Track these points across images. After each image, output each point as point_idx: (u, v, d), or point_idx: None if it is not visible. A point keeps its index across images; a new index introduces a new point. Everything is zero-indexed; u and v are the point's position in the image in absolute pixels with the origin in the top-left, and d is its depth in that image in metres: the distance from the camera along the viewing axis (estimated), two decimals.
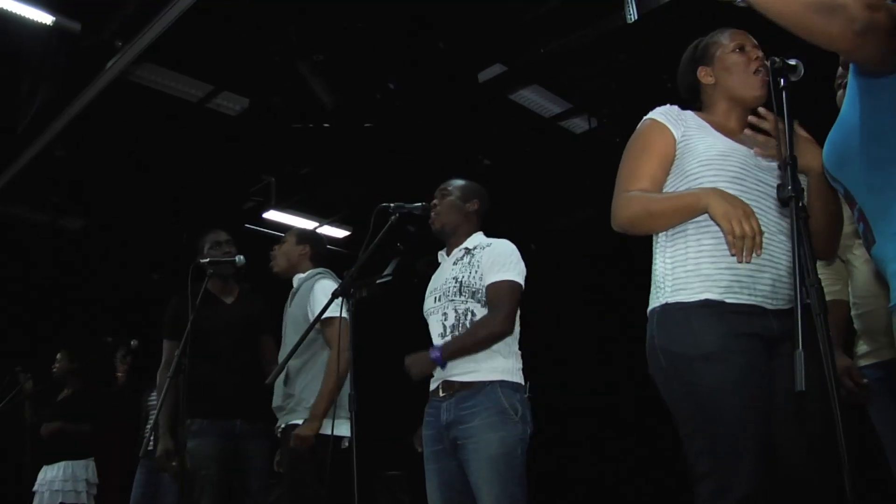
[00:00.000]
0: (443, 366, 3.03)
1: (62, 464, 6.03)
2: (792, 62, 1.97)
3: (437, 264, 3.46)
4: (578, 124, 6.46)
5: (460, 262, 3.24)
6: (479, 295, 3.10)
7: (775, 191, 1.91)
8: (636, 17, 4.30)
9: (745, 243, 2.00)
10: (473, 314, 3.10)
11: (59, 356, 6.33)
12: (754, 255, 2.04)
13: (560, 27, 4.97)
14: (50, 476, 6.02)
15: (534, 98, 6.07)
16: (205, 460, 3.96)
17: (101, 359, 6.55)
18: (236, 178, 7.07)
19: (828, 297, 2.52)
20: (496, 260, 3.15)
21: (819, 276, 1.91)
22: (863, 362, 2.77)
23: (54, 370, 6.31)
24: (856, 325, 2.80)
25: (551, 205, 7.47)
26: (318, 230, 7.73)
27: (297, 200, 7.32)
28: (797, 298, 1.63)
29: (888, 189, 1.74)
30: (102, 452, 6.37)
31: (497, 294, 3.08)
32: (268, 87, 5.66)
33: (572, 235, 7.48)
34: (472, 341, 3.04)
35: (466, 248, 3.29)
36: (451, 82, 5.63)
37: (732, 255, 2.06)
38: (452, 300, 3.15)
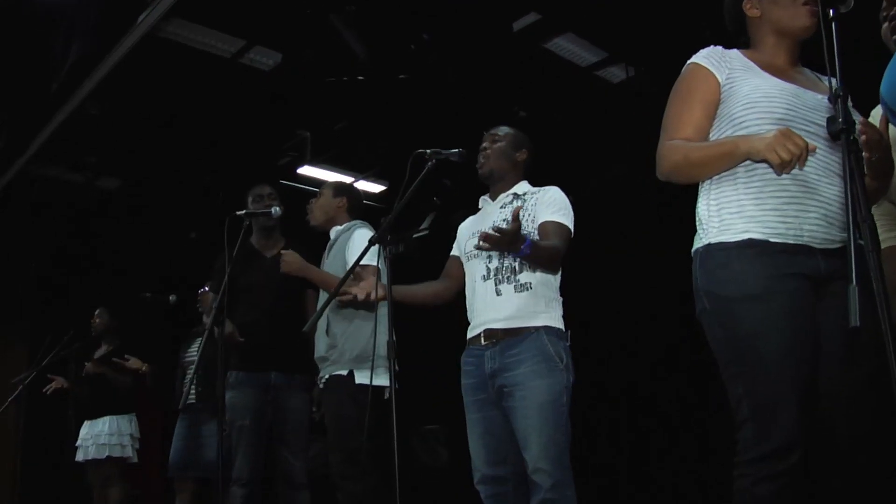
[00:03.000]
0: (522, 255, 2.86)
1: (107, 418, 6.13)
2: None
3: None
4: (615, 73, 6.35)
5: (509, 206, 3.22)
6: (531, 237, 3.03)
7: (824, 128, 1.85)
8: None
9: (797, 160, 1.94)
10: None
11: (97, 313, 6.40)
12: (801, 193, 2.00)
13: None
14: (95, 430, 6.13)
15: (569, 47, 5.97)
16: (241, 411, 4.07)
17: (140, 315, 6.62)
18: (271, 134, 7.04)
19: (883, 245, 2.46)
20: (550, 203, 3.16)
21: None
22: None
23: (93, 327, 6.39)
24: None
25: (591, 157, 7.38)
26: (355, 184, 7.74)
27: (333, 155, 7.29)
28: (850, 235, 1.58)
29: None
30: (142, 408, 6.47)
31: (553, 230, 3.07)
32: (301, 41, 5.60)
33: (613, 188, 7.39)
34: (547, 255, 2.99)
35: (515, 194, 3.29)
36: (486, 32, 5.55)
37: (779, 195, 2.01)
38: None
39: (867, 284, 1.60)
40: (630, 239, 7.08)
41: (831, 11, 1.88)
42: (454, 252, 3.44)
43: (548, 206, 3.15)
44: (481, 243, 2.78)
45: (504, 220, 3.12)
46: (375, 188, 8.07)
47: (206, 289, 4.98)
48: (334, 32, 5.27)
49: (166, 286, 6.41)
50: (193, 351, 5.70)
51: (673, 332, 6.46)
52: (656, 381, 7.24)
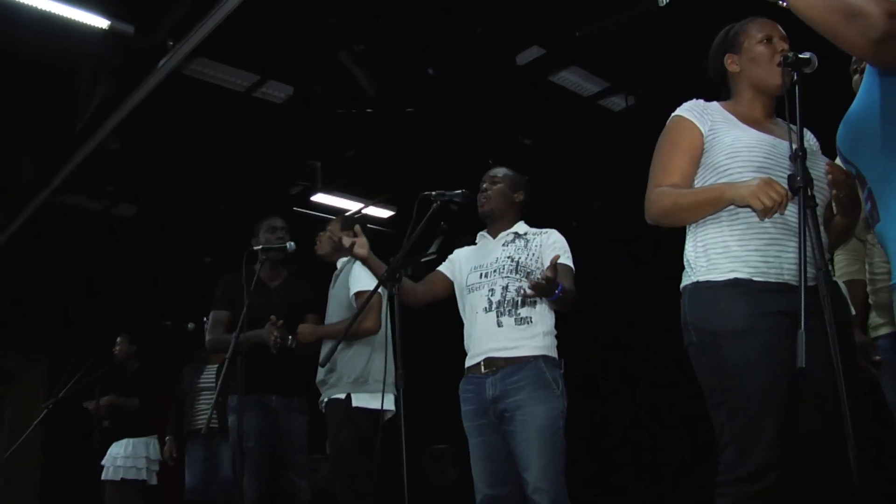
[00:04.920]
0: (555, 299, 3.07)
1: (125, 441, 6.31)
2: (805, 55, 2.08)
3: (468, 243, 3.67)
4: (616, 102, 6.54)
5: (511, 244, 3.45)
6: (534, 276, 3.24)
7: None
8: (667, 2, 4.37)
9: (778, 207, 2.10)
10: (526, 291, 3.25)
11: (119, 339, 6.57)
12: (781, 235, 2.19)
13: (595, 10, 5.08)
14: (115, 452, 6.31)
15: (572, 78, 6.17)
16: (245, 433, 4.18)
17: (159, 341, 6.80)
18: (284, 164, 7.26)
19: (847, 277, 2.65)
20: (556, 247, 3.37)
21: (838, 256, 2.02)
22: (874, 333, 2.89)
23: (115, 353, 6.55)
24: (870, 300, 2.92)
25: (592, 182, 7.57)
26: (364, 211, 7.94)
27: (343, 183, 7.49)
28: (801, 282, 1.75)
29: (894, 175, 1.86)
30: (163, 430, 6.62)
31: (565, 274, 3.26)
32: (311, 77, 5.82)
33: (612, 213, 7.57)
34: (570, 299, 3.17)
35: (516, 233, 3.50)
36: (489, 66, 5.75)
37: (761, 237, 2.18)
38: (507, 277, 3.34)
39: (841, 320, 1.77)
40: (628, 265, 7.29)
41: (795, 75, 2.06)
42: (443, 269, 3.64)
43: (553, 249, 3.36)
44: (528, 290, 3.03)
45: (508, 258, 3.36)
46: (384, 213, 8.27)
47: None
48: (343, 68, 5.47)
49: (184, 314, 6.58)
50: (206, 377, 5.92)
51: (668, 355, 6.66)
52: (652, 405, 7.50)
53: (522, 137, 6.89)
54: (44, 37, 4.46)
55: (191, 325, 6.03)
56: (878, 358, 2.72)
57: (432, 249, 8.09)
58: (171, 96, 5.42)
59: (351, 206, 7.89)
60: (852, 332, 2.39)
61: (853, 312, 2.45)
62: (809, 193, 1.87)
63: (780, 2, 1.86)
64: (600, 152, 6.98)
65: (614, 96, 6.46)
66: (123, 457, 6.27)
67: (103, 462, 6.32)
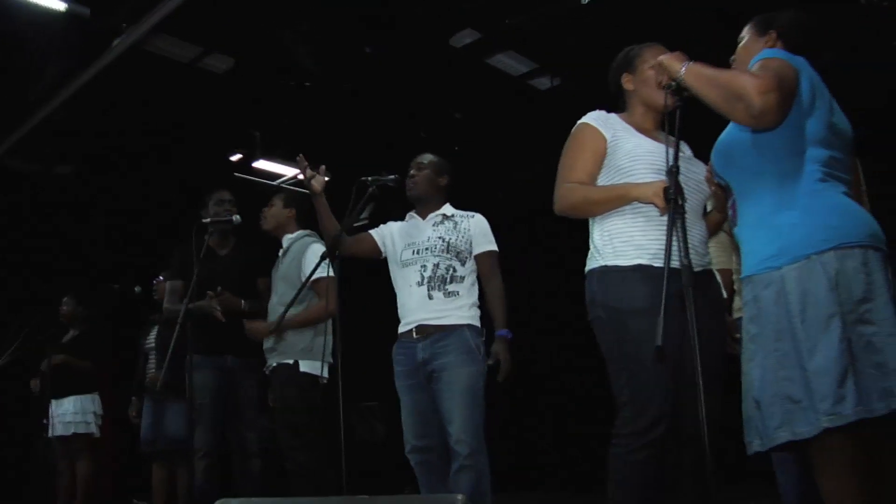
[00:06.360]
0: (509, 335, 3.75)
1: (72, 398, 6.53)
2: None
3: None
4: (543, 82, 6.95)
5: (441, 225, 3.88)
6: (463, 255, 3.78)
7: (692, 179, 2.66)
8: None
9: None
10: (454, 269, 3.75)
11: (65, 300, 6.77)
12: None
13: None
14: (62, 409, 6.54)
15: (503, 59, 6.53)
16: (201, 391, 4.56)
17: (106, 303, 7.04)
18: (226, 132, 7.49)
19: (718, 266, 3.12)
20: (483, 232, 3.88)
21: (712, 248, 2.47)
22: (736, 315, 3.36)
23: (61, 313, 6.76)
24: (735, 287, 3.40)
25: (517, 156, 7.97)
26: (299, 176, 8.19)
27: (282, 151, 7.74)
28: (665, 276, 2.19)
29: (752, 190, 2.33)
30: (102, 388, 6.88)
31: (491, 262, 3.84)
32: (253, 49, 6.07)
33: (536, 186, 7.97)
34: (503, 304, 3.79)
35: (444, 215, 3.93)
36: (424, 46, 6.10)
37: (659, 228, 2.58)
38: (439, 255, 3.76)
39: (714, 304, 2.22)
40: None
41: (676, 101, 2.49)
42: (374, 234, 4.01)
43: (482, 237, 3.87)
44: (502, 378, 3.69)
45: (439, 238, 3.83)
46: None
47: (161, 278, 5.46)
48: (284, 44, 5.74)
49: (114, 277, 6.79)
50: (151, 339, 6.22)
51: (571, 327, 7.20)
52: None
53: (454, 111, 7.28)
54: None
55: (137, 289, 6.30)
56: (738, 336, 3.17)
57: (364, 214, 8.37)
58: (121, 67, 5.61)
59: (288, 171, 8.14)
60: (724, 312, 2.85)
61: (725, 296, 2.90)
62: (679, 202, 2.29)
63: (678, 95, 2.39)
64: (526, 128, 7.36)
65: (542, 77, 6.86)
66: (73, 412, 6.51)
67: (49, 419, 6.54)
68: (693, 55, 2.52)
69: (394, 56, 6.16)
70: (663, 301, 2.13)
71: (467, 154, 7.39)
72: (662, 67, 2.56)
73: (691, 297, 2.19)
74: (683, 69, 2.40)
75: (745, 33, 2.62)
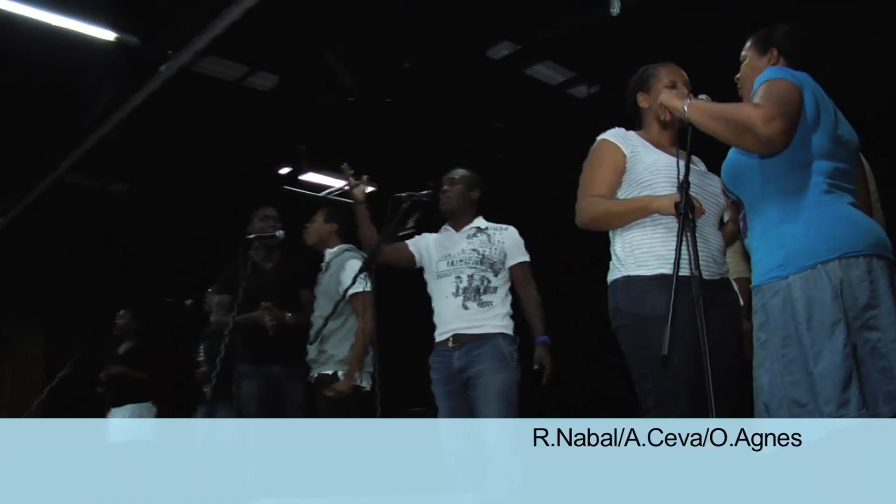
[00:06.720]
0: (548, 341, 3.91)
1: (129, 406, 6.76)
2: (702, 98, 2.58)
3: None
4: (580, 91, 7.05)
5: (475, 237, 4.01)
6: (496, 266, 3.92)
7: (709, 192, 2.76)
8: (618, 11, 4.88)
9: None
10: (489, 280, 3.88)
11: (120, 313, 6.97)
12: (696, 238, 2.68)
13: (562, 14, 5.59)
14: (119, 416, 6.76)
15: (540, 69, 6.66)
16: (247, 399, 4.71)
17: (160, 317, 7.26)
18: (272, 147, 7.69)
19: (736, 275, 3.19)
20: (516, 244, 4.03)
21: (730, 257, 2.56)
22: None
23: (116, 327, 6.95)
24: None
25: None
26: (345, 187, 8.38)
27: (328, 164, 7.91)
28: (674, 285, 2.29)
29: (759, 203, 2.42)
30: (158, 398, 7.08)
31: (524, 272, 4.00)
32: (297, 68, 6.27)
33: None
34: (540, 312, 3.95)
35: (478, 228, 4.06)
36: (463, 60, 6.24)
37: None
38: (474, 267, 3.90)
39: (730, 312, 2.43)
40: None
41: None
42: (410, 244, 4.16)
43: (516, 248, 4.02)
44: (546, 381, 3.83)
45: (474, 251, 3.96)
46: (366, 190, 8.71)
47: (212, 291, 5.66)
48: (326, 64, 5.93)
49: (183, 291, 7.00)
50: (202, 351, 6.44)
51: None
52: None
53: (494, 122, 7.41)
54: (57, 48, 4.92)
55: (188, 302, 6.50)
56: None
57: (410, 224, 8.54)
58: (169, 88, 5.82)
59: (335, 182, 8.32)
60: (740, 320, 2.93)
61: (742, 304, 2.97)
62: (690, 216, 2.39)
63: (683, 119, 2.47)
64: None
65: (579, 86, 6.97)
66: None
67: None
68: (726, 63, 2.59)
69: (434, 70, 6.30)
70: (671, 311, 2.22)
71: (508, 163, 7.52)
72: (664, 108, 2.67)
73: (701, 307, 2.28)
74: (686, 107, 2.48)
75: (747, 52, 2.68)
